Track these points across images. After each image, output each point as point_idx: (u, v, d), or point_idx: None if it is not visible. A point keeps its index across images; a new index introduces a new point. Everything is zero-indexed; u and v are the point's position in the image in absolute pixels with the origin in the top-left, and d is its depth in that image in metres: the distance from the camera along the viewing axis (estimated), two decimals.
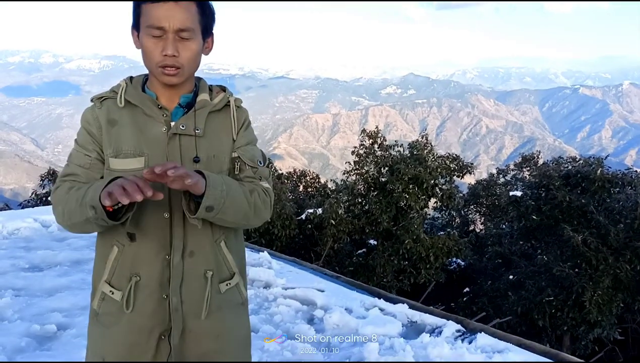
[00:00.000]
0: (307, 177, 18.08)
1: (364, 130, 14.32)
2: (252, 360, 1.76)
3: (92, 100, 1.57)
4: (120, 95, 1.52)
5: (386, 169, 13.36)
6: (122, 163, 1.49)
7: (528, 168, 18.03)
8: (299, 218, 13.27)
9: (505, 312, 11.39)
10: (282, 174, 17.86)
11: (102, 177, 1.53)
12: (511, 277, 12.70)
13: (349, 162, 14.17)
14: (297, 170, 18.86)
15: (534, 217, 12.67)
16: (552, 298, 11.07)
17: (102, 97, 1.56)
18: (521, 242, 14.31)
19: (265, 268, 5.52)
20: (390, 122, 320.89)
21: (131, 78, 1.60)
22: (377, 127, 14.59)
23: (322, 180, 18.48)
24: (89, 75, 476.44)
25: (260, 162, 1.64)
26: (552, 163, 14.62)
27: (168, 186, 1.34)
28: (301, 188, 17.74)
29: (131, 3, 1.49)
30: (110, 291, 1.52)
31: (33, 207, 12.29)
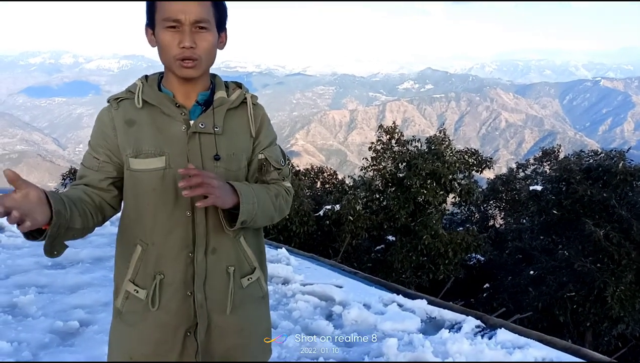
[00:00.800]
0: (325, 174, 18.08)
1: (381, 126, 14.28)
2: (272, 355, 1.78)
3: (108, 101, 1.58)
4: (138, 95, 1.52)
5: (404, 164, 13.30)
6: (143, 163, 1.50)
7: (548, 162, 17.81)
8: (317, 214, 13.29)
9: (526, 308, 11.29)
10: (299, 170, 17.88)
11: (117, 178, 1.55)
12: (532, 272, 12.58)
13: (366, 158, 14.14)
14: (315, 166, 18.87)
15: (555, 211, 12.53)
16: (573, 293, 10.95)
17: (118, 97, 1.56)
18: (542, 237, 14.15)
19: (283, 265, 5.54)
20: (408, 118, 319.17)
21: (146, 77, 1.60)
22: (394, 123, 14.52)
23: (340, 177, 18.47)
24: (108, 74, 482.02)
25: (282, 162, 1.67)
26: (573, 157, 14.40)
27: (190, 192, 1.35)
28: (319, 184, 17.75)
29: (144, 3, 1.50)
30: (135, 290, 1.53)
31: None
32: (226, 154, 1.54)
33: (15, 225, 1.20)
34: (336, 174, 18.49)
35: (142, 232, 1.53)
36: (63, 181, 17.03)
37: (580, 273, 11.05)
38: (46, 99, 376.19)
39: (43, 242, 1.33)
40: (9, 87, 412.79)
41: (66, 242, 1.42)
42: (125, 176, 1.53)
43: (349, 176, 17.12)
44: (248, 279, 1.62)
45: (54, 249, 1.37)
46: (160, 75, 1.60)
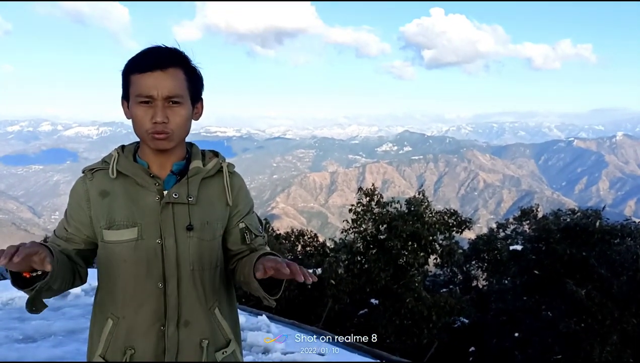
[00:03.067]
0: (306, 237, 17.97)
1: (360, 188, 14.36)
2: None
3: (83, 172, 1.57)
4: (112, 166, 1.52)
5: (384, 226, 13.31)
6: (116, 234, 1.48)
7: (528, 221, 17.98)
8: None
9: None
10: (280, 234, 17.77)
11: (84, 250, 1.54)
12: (516, 334, 12.43)
13: (347, 220, 14.14)
14: (295, 229, 18.77)
15: (536, 271, 12.55)
16: (560, 356, 10.81)
17: (93, 168, 1.56)
18: (525, 298, 14.08)
19: (264, 332, 5.41)
20: (387, 179, 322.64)
21: (123, 147, 1.60)
22: (373, 185, 14.63)
23: (321, 239, 18.36)
24: (87, 141, 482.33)
25: (261, 229, 1.68)
26: (551, 216, 14.58)
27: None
28: (300, 247, 17.60)
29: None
30: None
31: None
32: (200, 223, 1.52)
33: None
34: (317, 237, 18.38)
35: (114, 305, 1.49)
36: None
37: (566, 334, 10.95)
38: (23, 167, 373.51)
39: (25, 292, 1.35)
40: None
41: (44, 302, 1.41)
42: (100, 248, 1.51)
43: (330, 239, 17.05)
44: (223, 353, 1.57)
45: (34, 305, 1.37)
46: (137, 145, 1.60)
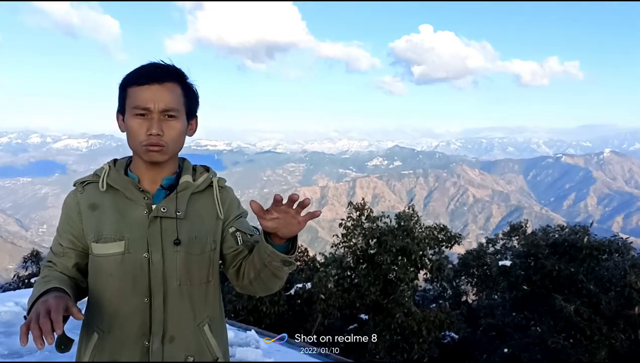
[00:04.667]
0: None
1: (350, 203, 14.37)
2: None
3: (74, 185, 1.58)
4: (103, 179, 1.52)
5: (374, 240, 13.30)
6: (103, 247, 1.48)
7: (517, 237, 18.05)
8: (288, 293, 13.04)
9: None
10: None
11: (82, 264, 1.53)
12: (506, 350, 12.41)
13: (336, 235, 14.12)
14: None
15: (525, 287, 12.57)
16: None
17: (84, 181, 1.56)
18: (514, 313, 14.10)
19: (253, 348, 5.36)
20: (378, 193, 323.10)
21: (115, 161, 1.61)
22: (363, 199, 14.64)
23: (311, 253, 18.30)
24: (76, 154, 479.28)
25: (254, 231, 1.67)
26: (540, 232, 14.66)
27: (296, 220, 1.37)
28: None
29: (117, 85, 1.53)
30: None
31: (15, 289, 11.97)
32: (187, 238, 1.52)
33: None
34: (307, 251, 18.32)
35: (100, 319, 1.49)
36: (24, 264, 16.43)
37: (554, 350, 10.95)
38: (10, 179, 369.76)
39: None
40: None
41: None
42: (90, 261, 1.51)
43: (320, 253, 16.99)
44: None
45: (62, 343, 1.39)
46: (129, 160, 1.60)
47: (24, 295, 7.41)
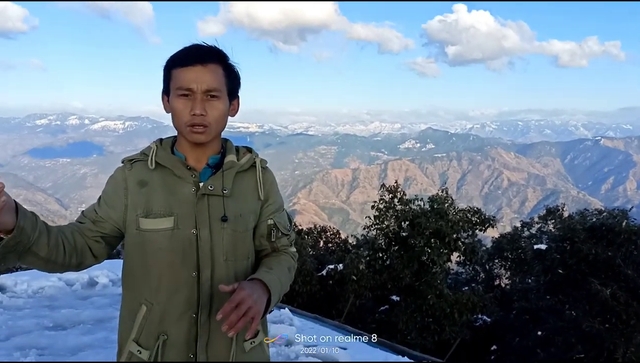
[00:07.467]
0: (328, 233, 18.02)
1: (383, 185, 14.32)
2: None
3: (122, 162, 1.63)
4: (151, 158, 1.58)
5: (407, 223, 13.26)
6: (153, 223, 1.53)
7: (553, 221, 17.74)
8: (320, 274, 13.17)
9: None
10: (302, 229, 17.85)
11: (108, 235, 1.58)
12: (539, 333, 12.31)
13: (369, 217, 14.12)
14: (318, 225, 18.83)
15: (560, 270, 12.39)
16: (583, 355, 10.68)
17: (132, 159, 1.62)
18: (548, 297, 13.92)
19: (286, 325, 5.47)
20: (409, 176, 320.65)
21: (161, 140, 1.66)
22: (396, 182, 14.58)
23: (343, 236, 18.39)
24: (113, 135, 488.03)
25: (289, 227, 1.72)
26: (577, 216, 14.37)
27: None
28: (322, 243, 17.66)
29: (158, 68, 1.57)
30: (138, 350, 1.53)
31: None
32: (233, 215, 1.57)
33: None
34: (339, 233, 18.42)
35: (148, 291, 1.54)
36: None
37: (589, 334, 10.81)
38: (50, 160, 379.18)
39: None
40: (15, 148, 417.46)
41: (22, 265, 1.41)
42: (133, 235, 1.56)
43: (351, 235, 17.05)
44: (251, 343, 1.62)
45: (2, 260, 1.35)
46: (174, 139, 1.66)
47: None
